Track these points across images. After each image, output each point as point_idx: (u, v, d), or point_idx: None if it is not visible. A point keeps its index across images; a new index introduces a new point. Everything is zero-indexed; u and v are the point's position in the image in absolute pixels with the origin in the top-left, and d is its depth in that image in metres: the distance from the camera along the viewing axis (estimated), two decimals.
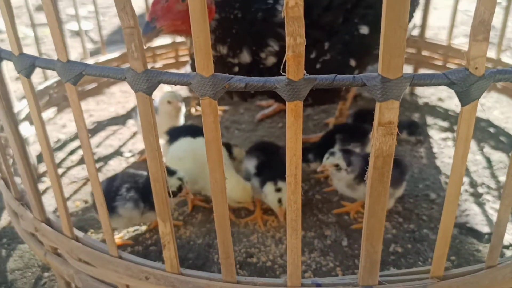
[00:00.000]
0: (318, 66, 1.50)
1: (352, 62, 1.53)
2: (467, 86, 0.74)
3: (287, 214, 0.83)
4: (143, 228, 1.52)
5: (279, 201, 1.41)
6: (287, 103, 0.73)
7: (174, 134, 1.70)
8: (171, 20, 1.29)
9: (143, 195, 1.38)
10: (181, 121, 1.91)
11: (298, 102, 0.73)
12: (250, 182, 1.52)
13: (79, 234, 1.09)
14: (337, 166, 1.43)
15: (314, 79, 0.73)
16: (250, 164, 1.57)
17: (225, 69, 1.46)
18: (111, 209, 1.34)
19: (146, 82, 0.77)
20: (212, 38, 1.40)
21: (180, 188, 1.40)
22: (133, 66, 0.76)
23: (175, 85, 0.78)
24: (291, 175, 0.80)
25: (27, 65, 0.88)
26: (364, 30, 1.51)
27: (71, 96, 0.86)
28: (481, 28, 0.71)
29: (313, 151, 1.67)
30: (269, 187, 1.43)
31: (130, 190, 1.39)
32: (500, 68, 0.81)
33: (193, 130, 1.70)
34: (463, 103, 0.75)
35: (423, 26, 2.30)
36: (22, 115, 1.78)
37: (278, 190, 1.40)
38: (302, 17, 0.67)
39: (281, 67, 0.73)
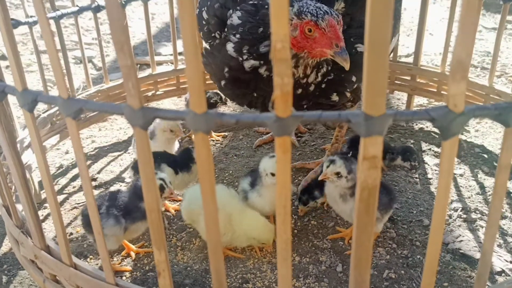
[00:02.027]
0: (323, 86, 1.57)
1: (353, 78, 1.60)
2: (447, 122, 0.77)
3: (277, 244, 0.86)
4: (141, 254, 1.55)
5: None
6: (275, 138, 0.77)
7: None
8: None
9: (124, 211, 1.41)
10: (176, 147, 1.97)
11: (286, 138, 0.77)
12: (247, 198, 1.57)
13: (78, 261, 1.12)
14: (338, 174, 1.44)
15: (301, 115, 0.77)
16: (245, 183, 1.61)
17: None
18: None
19: (142, 118, 0.81)
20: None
21: (162, 188, 1.43)
22: (130, 102, 0.80)
23: (171, 120, 0.82)
24: (280, 206, 0.83)
25: (30, 101, 0.92)
26: (362, 48, 1.57)
27: (71, 129, 0.90)
28: (459, 67, 0.75)
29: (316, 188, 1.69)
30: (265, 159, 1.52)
31: (110, 208, 1.41)
32: (485, 104, 0.84)
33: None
34: (444, 137, 0.79)
35: (417, 53, 2.34)
36: (26, 143, 1.82)
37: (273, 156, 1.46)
38: (289, 59, 0.71)
39: (271, 104, 0.77)
